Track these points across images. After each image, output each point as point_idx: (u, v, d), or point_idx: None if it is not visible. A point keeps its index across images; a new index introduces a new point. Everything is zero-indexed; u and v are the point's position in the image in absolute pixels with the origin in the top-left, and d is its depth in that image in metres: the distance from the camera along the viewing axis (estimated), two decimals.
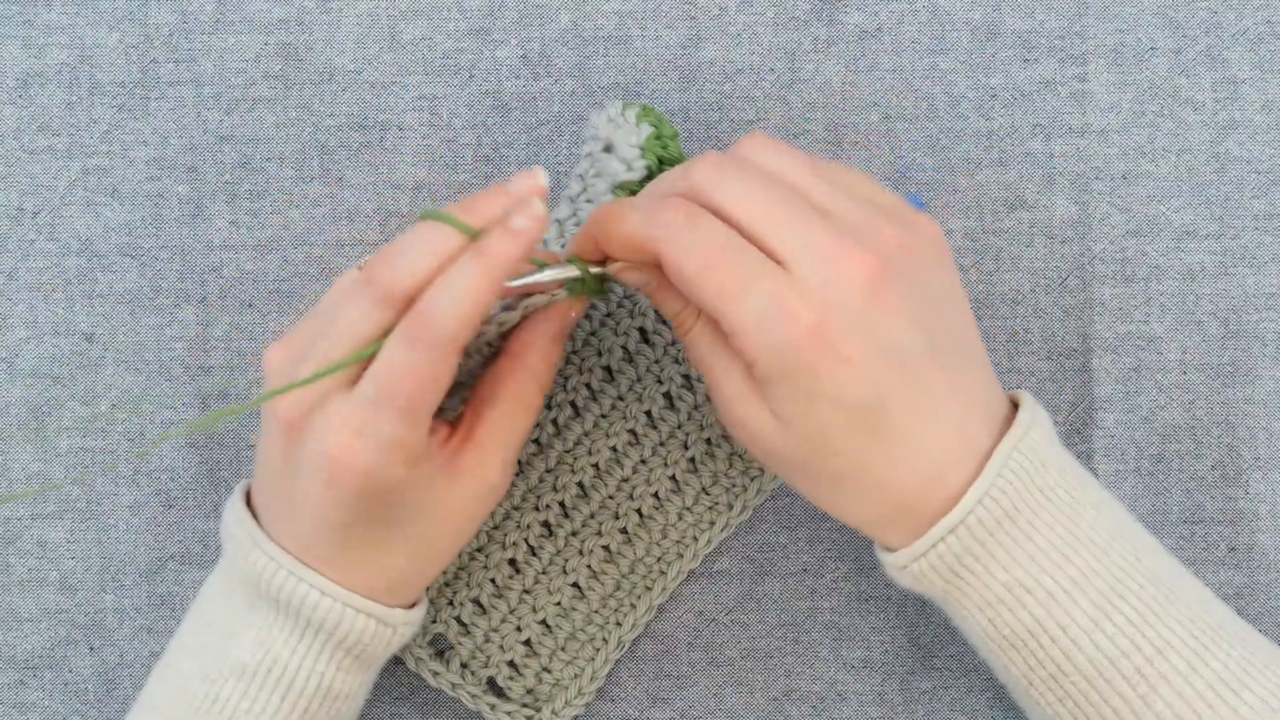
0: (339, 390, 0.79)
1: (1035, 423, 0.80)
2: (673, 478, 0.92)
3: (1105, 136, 0.92)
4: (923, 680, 0.93)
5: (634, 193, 0.85)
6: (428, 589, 0.90)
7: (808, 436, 0.78)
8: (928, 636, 0.93)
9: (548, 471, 0.92)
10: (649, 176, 0.85)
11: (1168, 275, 0.93)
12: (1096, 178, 0.92)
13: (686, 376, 0.91)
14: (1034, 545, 0.79)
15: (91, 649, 0.93)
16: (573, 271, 0.82)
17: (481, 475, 0.82)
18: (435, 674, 0.91)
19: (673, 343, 0.91)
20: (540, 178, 0.78)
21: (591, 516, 0.92)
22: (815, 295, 0.76)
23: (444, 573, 0.91)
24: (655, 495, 0.92)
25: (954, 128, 0.93)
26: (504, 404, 0.83)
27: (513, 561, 0.92)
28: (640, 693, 0.93)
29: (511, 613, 0.92)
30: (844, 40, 0.93)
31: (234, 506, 0.83)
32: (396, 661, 0.92)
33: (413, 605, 0.84)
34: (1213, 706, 0.78)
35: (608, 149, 0.86)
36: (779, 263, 0.77)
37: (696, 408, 0.91)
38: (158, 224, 0.92)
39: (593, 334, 0.91)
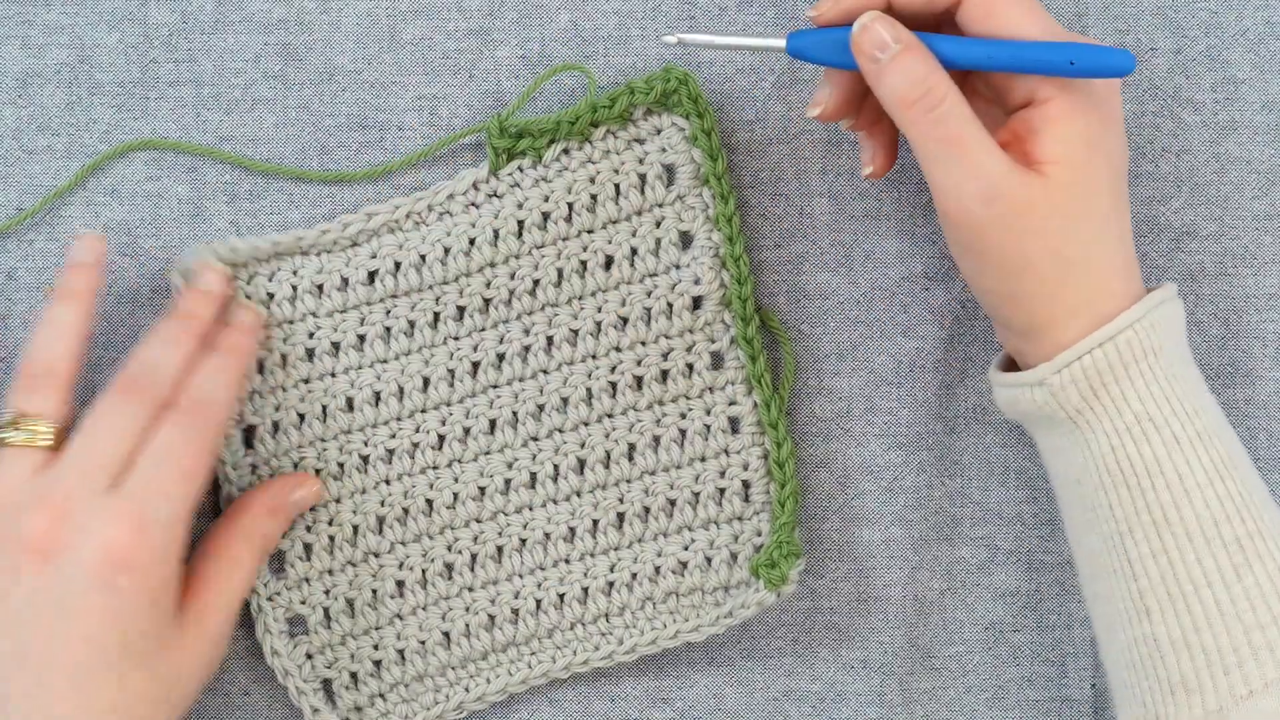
0: (91, 497, 0.81)
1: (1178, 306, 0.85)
2: (633, 575, 0.92)
3: None
4: (922, 680, 0.93)
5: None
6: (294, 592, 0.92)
7: (1066, 188, 0.80)
8: (927, 637, 0.93)
9: (479, 520, 0.92)
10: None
11: (1168, 275, 0.93)
12: None
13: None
14: (1170, 389, 0.81)
15: None
16: (779, 44, 0.84)
17: (202, 624, 0.85)
18: (275, 653, 0.91)
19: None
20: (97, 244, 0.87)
21: (492, 583, 0.92)
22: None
23: (332, 558, 0.91)
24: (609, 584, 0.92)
25: None
26: (217, 560, 0.87)
27: (400, 584, 0.92)
28: (640, 693, 0.93)
29: (376, 629, 0.91)
30: None
31: None
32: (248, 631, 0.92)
33: None
34: None
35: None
36: None
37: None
38: (157, 224, 0.92)
39: None
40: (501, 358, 0.91)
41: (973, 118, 0.80)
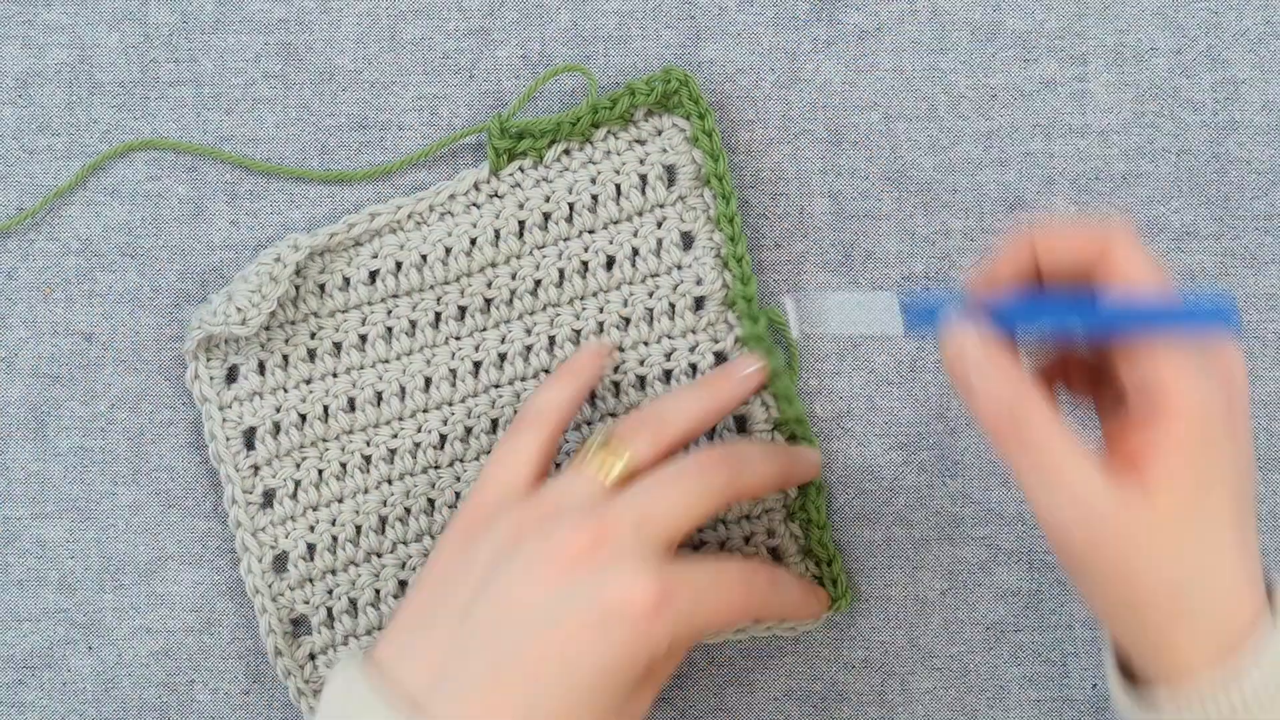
0: (639, 549, 0.78)
1: None
2: None
3: (1105, 136, 0.92)
4: (923, 680, 0.93)
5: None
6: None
7: (1175, 507, 0.73)
8: (927, 637, 0.93)
9: None
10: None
11: (1168, 275, 0.93)
12: (1096, 178, 0.92)
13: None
14: None
15: (90, 648, 0.92)
16: (896, 329, 0.80)
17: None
18: (278, 653, 0.91)
19: None
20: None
21: None
22: (1236, 364, 0.76)
23: (334, 558, 0.91)
24: None
25: (954, 128, 0.93)
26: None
27: (403, 584, 0.92)
28: None
29: (379, 629, 0.91)
30: (844, 40, 0.93)
31: (379, 695, 0.77)
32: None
33: None
34: None
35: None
36: None
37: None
38: (158, 224, 0.92)
39: None
40: (503, 358, 0.91)
41: (1064, 435, 0.74)
